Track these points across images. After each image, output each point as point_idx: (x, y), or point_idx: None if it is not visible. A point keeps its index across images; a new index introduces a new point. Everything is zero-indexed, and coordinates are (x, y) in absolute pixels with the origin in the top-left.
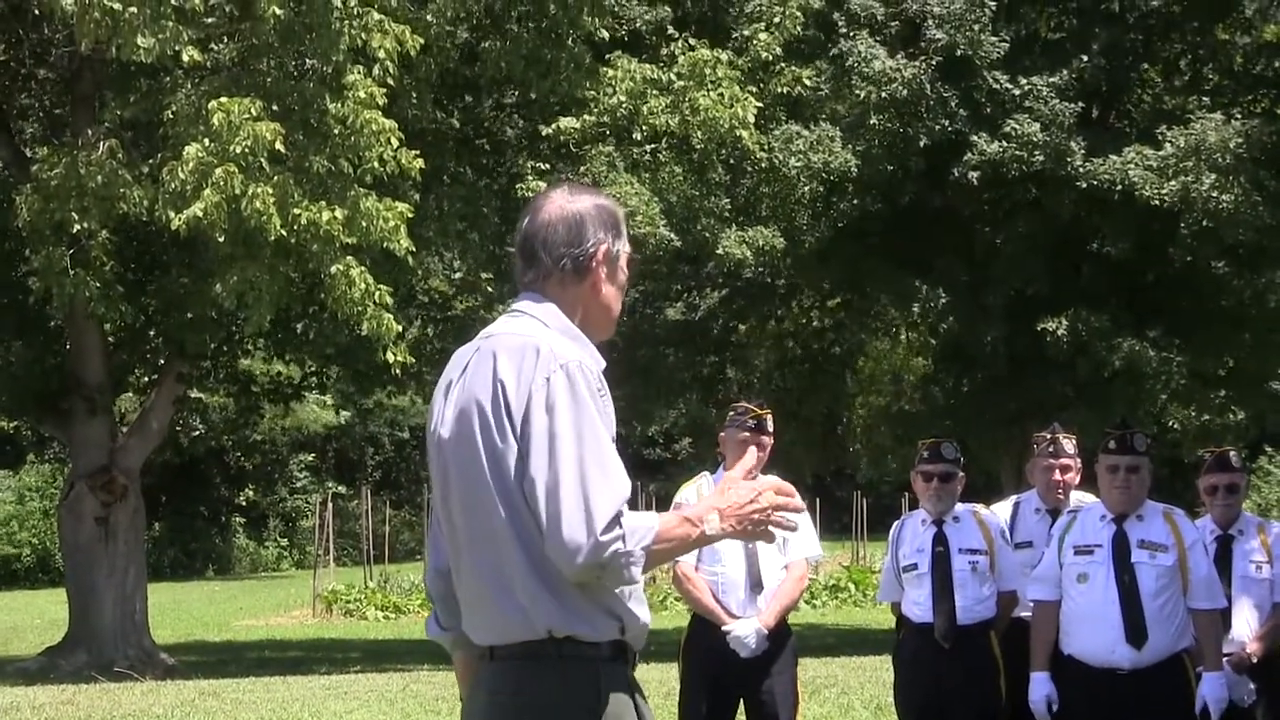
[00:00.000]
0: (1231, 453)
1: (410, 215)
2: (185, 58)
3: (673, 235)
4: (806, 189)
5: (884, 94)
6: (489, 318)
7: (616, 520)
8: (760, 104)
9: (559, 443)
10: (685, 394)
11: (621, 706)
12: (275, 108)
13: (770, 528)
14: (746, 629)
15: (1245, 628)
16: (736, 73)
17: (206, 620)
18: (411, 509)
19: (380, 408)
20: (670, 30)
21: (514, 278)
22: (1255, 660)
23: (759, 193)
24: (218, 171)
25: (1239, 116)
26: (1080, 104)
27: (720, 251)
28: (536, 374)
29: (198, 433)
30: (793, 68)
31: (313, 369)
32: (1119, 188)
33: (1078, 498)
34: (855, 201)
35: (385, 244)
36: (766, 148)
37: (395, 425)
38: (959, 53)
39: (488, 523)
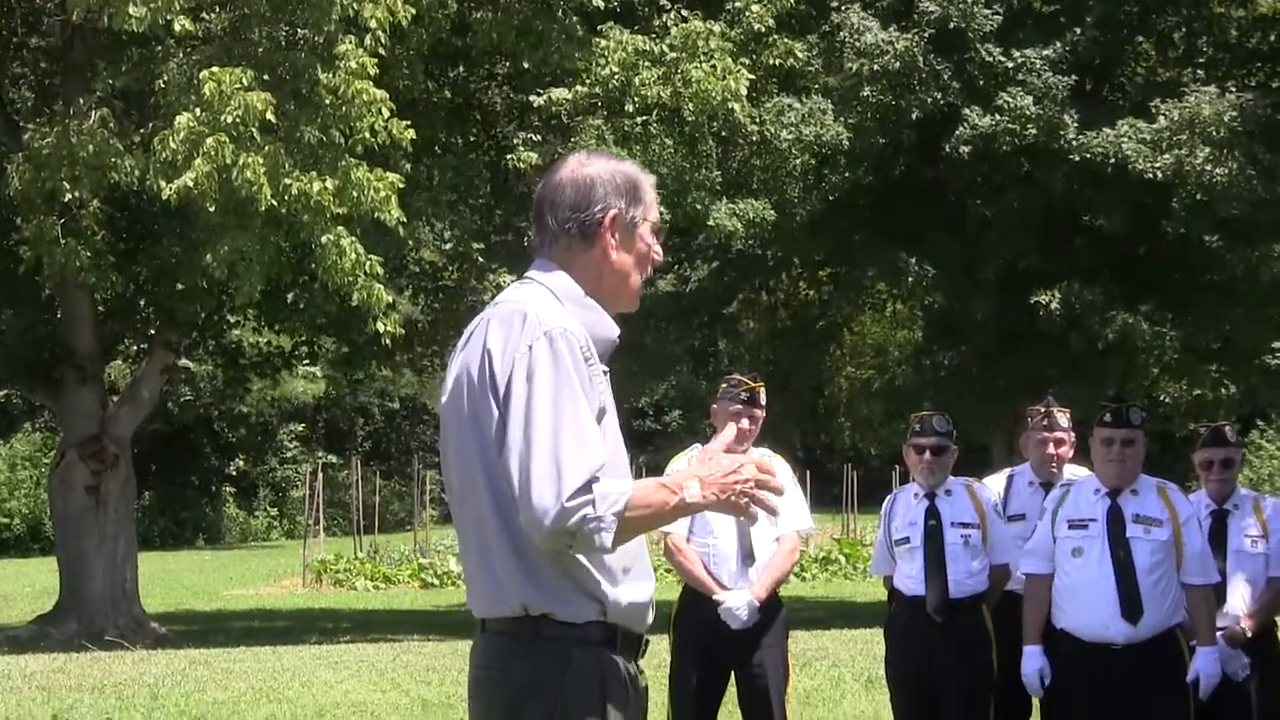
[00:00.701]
0: (1227, 427)
1: (401, 186)
2: (177, 27)
3: (663, 208)
4: (798, 161)
5: (876, 66)
6: (480, 288)
7: (587, 486)
8: (752, 76)
9: (535, 412)
10: (676, 367)
11: (588, 695)
12: (266, 77)
13: (752, 507)
14: (738, 601)
15: (1240, 602)
16: (729, 44)
17: (196, 589)
18: (401, 479)
19: (370, 379)
20: (663, 1)
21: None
22: (1249, 635)
23: (750, 165)
24: (209, 141)
25: (1233, 90)
26: (1074, 77)
27: (711, 224)
28: (520, 341)
29: (187, 398)
30: (785, 40)
31: (302, 339)
32: (1112, 161)
33: (1071, 471)
34: (846, 174)
35: (376, 214)
36: (758, 120)
37: (385, 396)
38: (952, 25)
39: (473, 494)
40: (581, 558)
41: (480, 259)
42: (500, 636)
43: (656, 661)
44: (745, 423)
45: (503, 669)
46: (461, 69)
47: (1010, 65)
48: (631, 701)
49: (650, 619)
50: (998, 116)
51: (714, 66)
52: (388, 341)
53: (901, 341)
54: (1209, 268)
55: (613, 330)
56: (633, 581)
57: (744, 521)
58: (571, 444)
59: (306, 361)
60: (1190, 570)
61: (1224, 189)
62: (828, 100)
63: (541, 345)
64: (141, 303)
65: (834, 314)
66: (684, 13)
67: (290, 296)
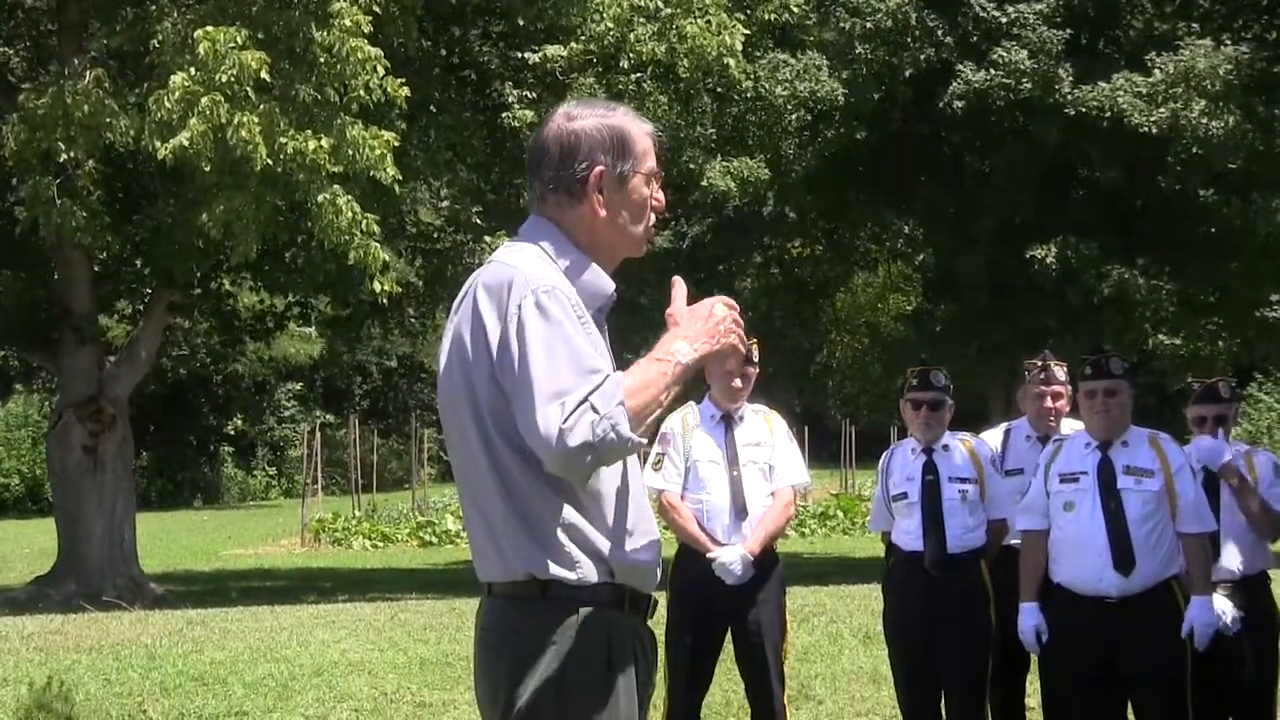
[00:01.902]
0: (1221, 383)
1: (397, 144)
2: None
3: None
4: (793, 117)
5: (869, 24)
6: (478, 249)
7: (584, 399)
8: (747, 31)
9: (529, 358)
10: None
11: (595, 656)
12: (261, 36)
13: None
14: (731, 556)
15: (1233, 558)
16: (724, 0)
17: (194, 549)
18: (399, 438)
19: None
20: None
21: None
22: (1242, 588)
23: (745, 121)
24: (204, 100)
25: (1229, 42)
26: (1069, 30)
27: (705, 184)
28: (510, 304)
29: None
30: None
31: (295, 299)
32: (1108, 115)
33: (1070, 425)
34: (841, 129)
35: (372, 172)
36: (752, 76)
37: (383, 354)
38: None
39: (472, 460)
40: (584, 520)
41: (478, 221)
42: (507, 600)
43: (654, 619)
44: (737, 380)
45: (510, 631)
46: (456, 27)
47: (1004, 20)
48: (640, 661)
49: (657, 578)
50: (992, 71)
51: (709, 22)
52: (384, 300)
53: (894, 306)
54: (1205, 221)
55: (608, 285)
56: (639, 541)
57: (738, 475)
58: (565, 372)
59: (300, 323)
60: (1185, 519)
61: (1220, 142)
62: (823, 56)
63: (529, 304)
64: (138, 263)
65: (828, 270)
66: None
67: (287, 256)
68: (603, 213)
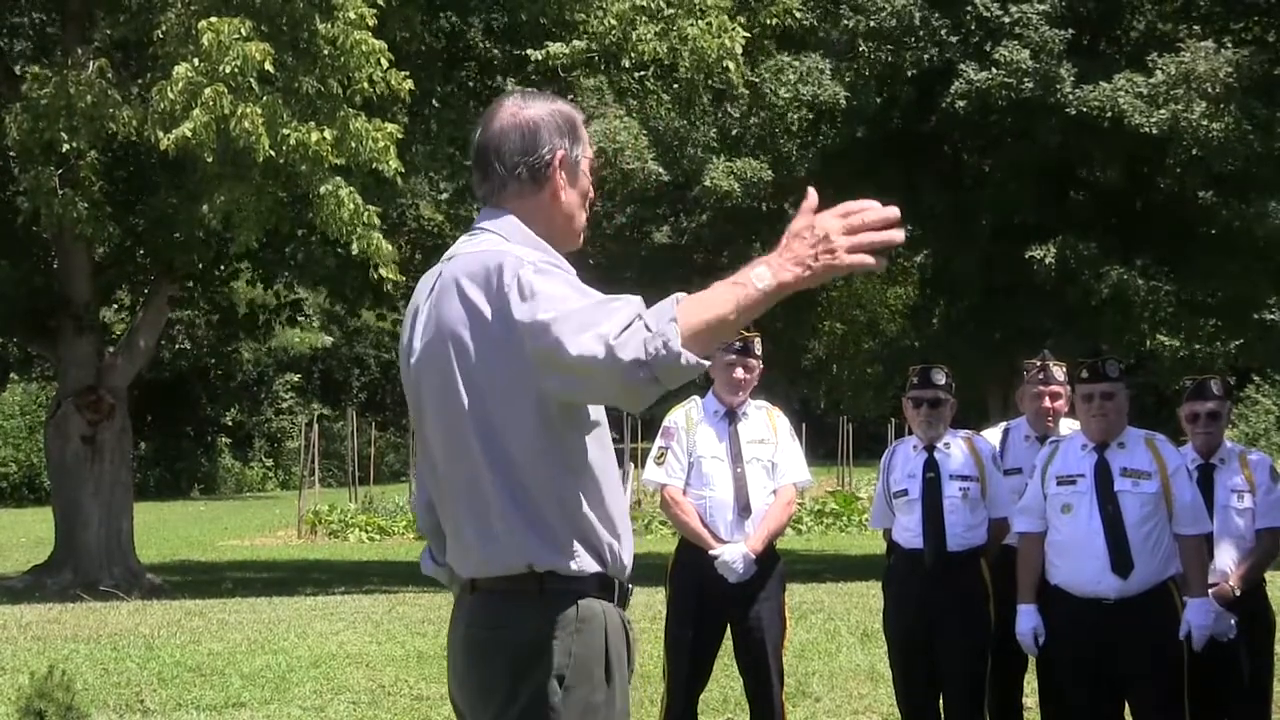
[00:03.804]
0: (1213, 381)
1: (400, 137)
2: None
3: (661, 169)
4: (795, 118)
5: (872, 23)
6: None
7: (635, 317)
8: (748, 34)
9: (557, 295)
10: None
11: (595, 647)
12: (265, 28)
13: (863, 257)
14: (734, 554)
15: (1227, 558)
16: (726, 2)
17: (192, 540)
18: (397, 431)
19: (367, 329)
20: None
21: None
22: (1238, 593)
23: (747, 122)
24: (207, 92)
25: (1230, 45)
26: (1070, 30)
27: (707, 183)
28: (503, 282)
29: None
30: None
31: (295, 298)
32: (1108, 115)
33: (1068, 425)
34: (841, 127)
35: (374, 165)
36: (754, 79)
37: (381, 347)
38: None
39: (465, 451)
40: (582, 510)
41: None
42: (498, 595)
43: (653, 614)
44: (740, 372)
45: (505, 628)
46: (458, 21)
47: (1007, 20)
48: (630, 650)
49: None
50: (994, 71)
51: (710, 24)
52: (389, 289)
53: (892, 300)
54: (1204, 222)
55: (570, 272)
56: (623, 530)
57: (741, 473)
58: (600, 298)
59: (299, 318)
60: (1182, 521)
61: (1220, 144)
62: (825, 60)
63: (527, 271)
64: (139, 253)
65: None
66: None
67: (289, 249)
68: (562, 197)
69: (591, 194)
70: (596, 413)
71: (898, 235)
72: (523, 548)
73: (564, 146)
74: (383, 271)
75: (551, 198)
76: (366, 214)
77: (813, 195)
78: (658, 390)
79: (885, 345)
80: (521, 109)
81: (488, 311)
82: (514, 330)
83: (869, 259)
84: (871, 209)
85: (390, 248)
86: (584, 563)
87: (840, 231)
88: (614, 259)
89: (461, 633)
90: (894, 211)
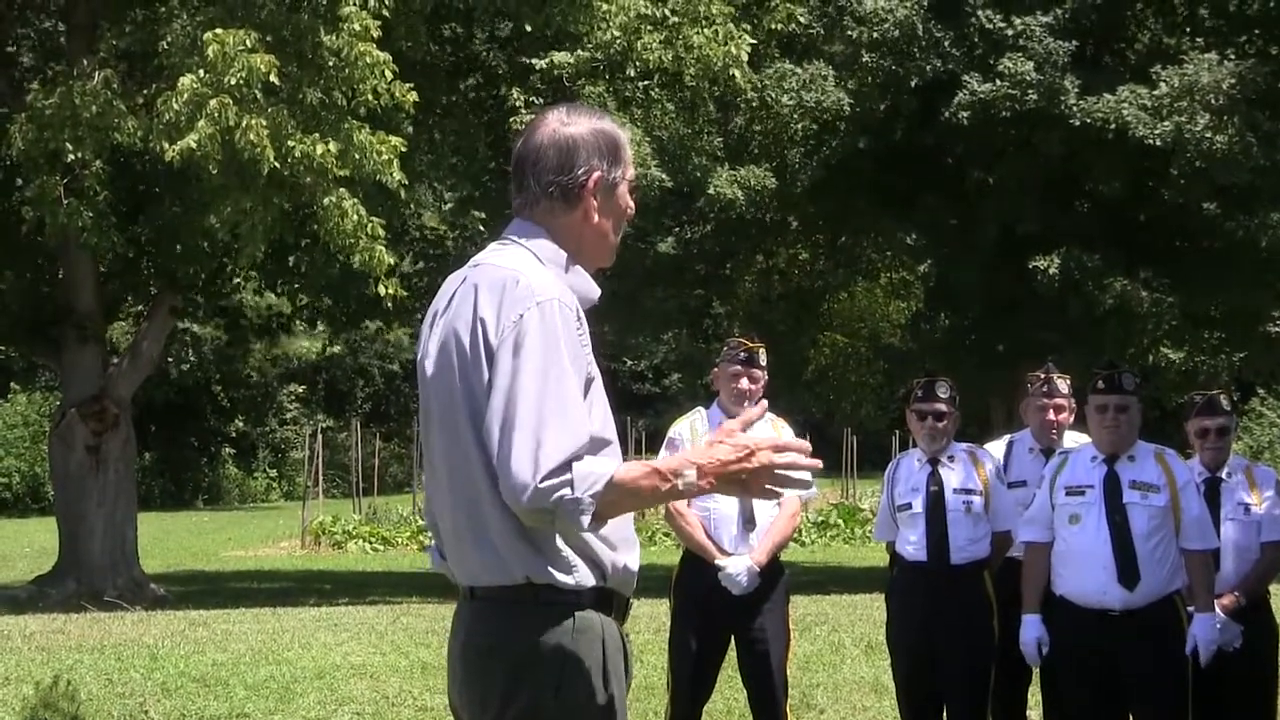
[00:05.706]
0: (1221, 396)
1: (404, 149)
2: None
3: (664, 176)
4: (799, 126)
5: (876, 34)
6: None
7: (566, 465)
8: (754, 41)
9: (520, 385)
10: (673, 328)
11: (591, 658)
12: (270, 39)
13: (774, 486)
14: (738, 566)
15: (1233, 571)
16: (731, 9)
17: (195, 550)
18: (401, 442)
19: (370, 341)
20: None
21: (510, 207)
22: (1244, 605)
23: (751, 130)
24: (212, 103)
25: (1233, 57)
26: (1074, 42)
27: (711, 191)
28: (513, 310)
29: (189, 364)
30: (787, 4)
31: (303, 303)
32: (1112, 127)
33: (1072, 438)
34: (845, 137)
35: (378, 176)
36: (758, 86)
37: (385, 358)
38: None
39: (465, 461)
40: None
41: (482, 226)
42: (496, 604)
43: (656, 626)
44: (744, 382)
45: (501, 638)
46: (463, 31)
47: (1011, 32)
48: (627, 663)
49: (635, 583)
50: (998, 83)
51: (715, 32)
52: (389, 304)
53: (894, 312)
54: (1208, 235)
55: (594, 291)
56: (627, 545)
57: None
58: (554, 422)
59: (308, 326)
60: (1189, 535)
61: (1223, 156)
62: (829, 67)
63: (533, 315)
64: (143, 263)
65: (829, 278)
66: None
67: (291, 260)
68: (595, 219)
69: (631, 213)
70: (606, 433)
71: (807, 478)
72: (521, 561)
73: (601, 168)
74: (382, 287)
75: (583, 218)
76: (370, 225)
77: (761, 407)
78: (549, 527)
79: (885, 355)
80: (564, 125)
81: (492, 327)
82: (496, 361)
83: (776, 489)
84: (803, 453)
85: (392, 260)
86: (582, 577)
87: (770, 464)
88: (614, 268)
89: (460, 640)
90: (818, 463)
